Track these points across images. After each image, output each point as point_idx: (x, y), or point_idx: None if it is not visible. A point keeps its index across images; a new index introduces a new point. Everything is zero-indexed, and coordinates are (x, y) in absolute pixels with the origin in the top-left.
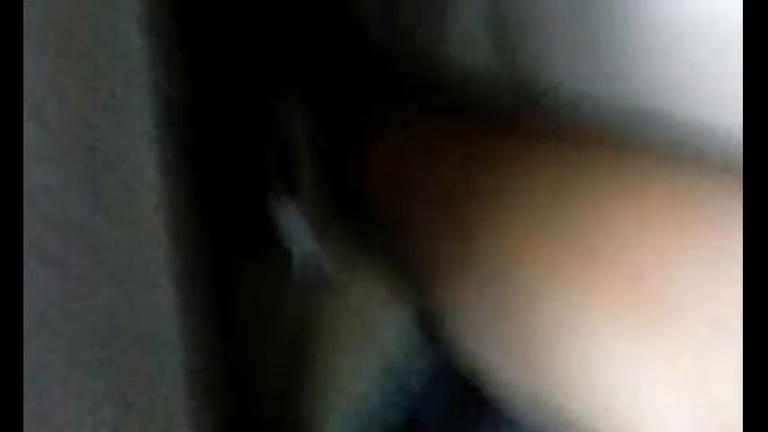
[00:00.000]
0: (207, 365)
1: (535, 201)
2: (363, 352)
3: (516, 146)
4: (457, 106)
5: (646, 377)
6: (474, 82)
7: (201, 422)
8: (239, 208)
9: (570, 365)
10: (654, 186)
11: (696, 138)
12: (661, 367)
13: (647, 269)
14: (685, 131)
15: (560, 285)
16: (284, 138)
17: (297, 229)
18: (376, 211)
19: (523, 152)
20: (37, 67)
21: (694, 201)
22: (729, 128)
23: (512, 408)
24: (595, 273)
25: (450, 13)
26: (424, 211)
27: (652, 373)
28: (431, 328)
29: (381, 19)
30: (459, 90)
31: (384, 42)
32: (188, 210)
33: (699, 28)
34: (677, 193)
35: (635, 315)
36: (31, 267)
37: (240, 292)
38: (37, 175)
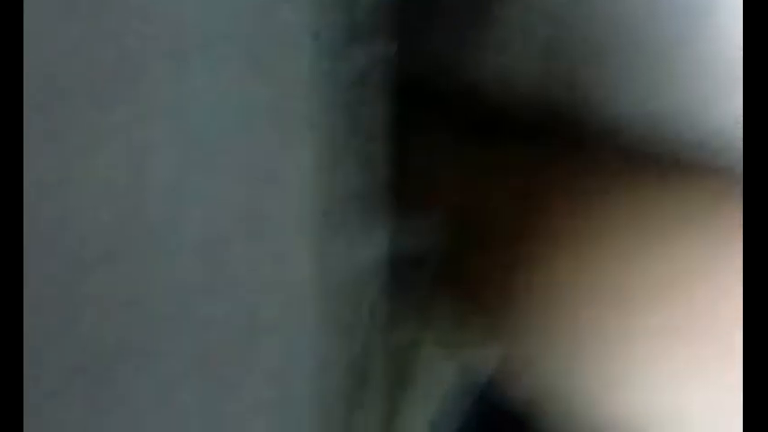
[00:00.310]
0: None
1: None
2: (423, 391)
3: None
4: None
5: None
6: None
7: None
8: None
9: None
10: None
11: None
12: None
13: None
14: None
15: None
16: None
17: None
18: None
19: (588, 185)
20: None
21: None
22: None
23: None
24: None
25: (501, 43)
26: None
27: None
28: (486, 374)
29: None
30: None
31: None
32: None
33: None
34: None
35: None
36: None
37: None
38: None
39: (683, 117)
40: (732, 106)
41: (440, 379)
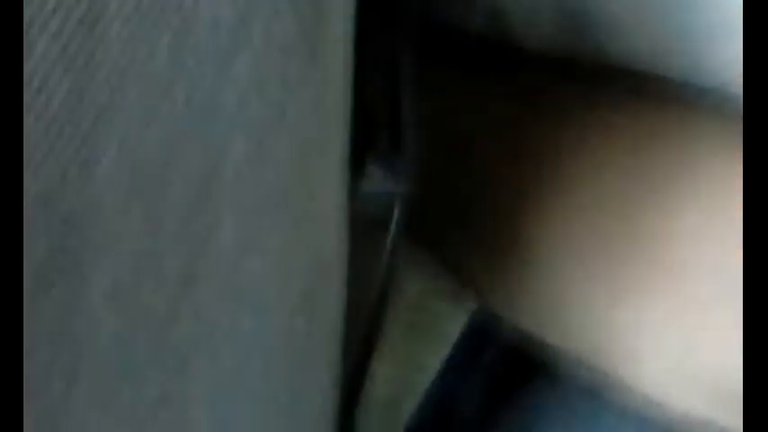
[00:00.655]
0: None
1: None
2: (428, 341)
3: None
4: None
5: (648, 325)
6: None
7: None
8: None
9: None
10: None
11: None
12: (663, 319)
13: (654, 225)
14: None
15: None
16: (392, 89)
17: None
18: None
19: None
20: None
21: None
22: None
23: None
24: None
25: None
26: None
27: (654, 323)
28: (489, 321)
29: None
30: (524, 67)
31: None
32: None
33: None
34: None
35: (642, 271)
36: None
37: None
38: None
39: (687, 57)
40: (734, 48)
41: (449, 324)
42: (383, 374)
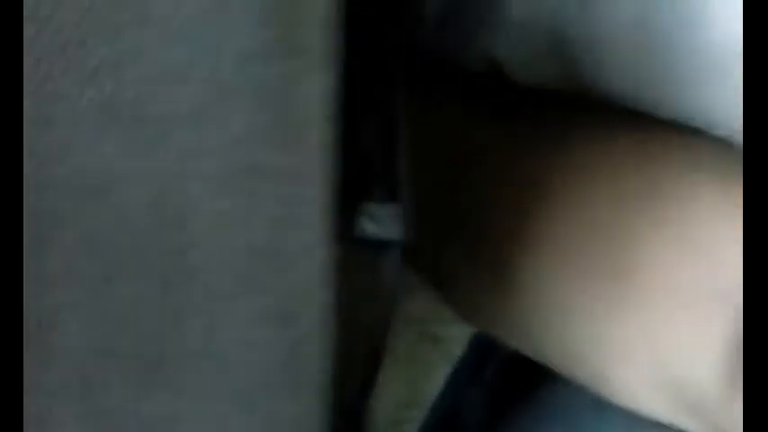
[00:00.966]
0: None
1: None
2: (430, 360)
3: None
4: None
5: (619, 339)
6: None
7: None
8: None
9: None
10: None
11: None
12: (635, 334)
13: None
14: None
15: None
16: (387, 131)
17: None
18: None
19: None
20: None
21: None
22: None
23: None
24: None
25: (508, 24)
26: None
27: (625, 337)
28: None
29: (439, 20)
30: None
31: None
32: None
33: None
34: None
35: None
36: None
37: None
38: None
39: (679, 97)
40: (727, 90)
41: (454, 340)
42: (388, 395)
